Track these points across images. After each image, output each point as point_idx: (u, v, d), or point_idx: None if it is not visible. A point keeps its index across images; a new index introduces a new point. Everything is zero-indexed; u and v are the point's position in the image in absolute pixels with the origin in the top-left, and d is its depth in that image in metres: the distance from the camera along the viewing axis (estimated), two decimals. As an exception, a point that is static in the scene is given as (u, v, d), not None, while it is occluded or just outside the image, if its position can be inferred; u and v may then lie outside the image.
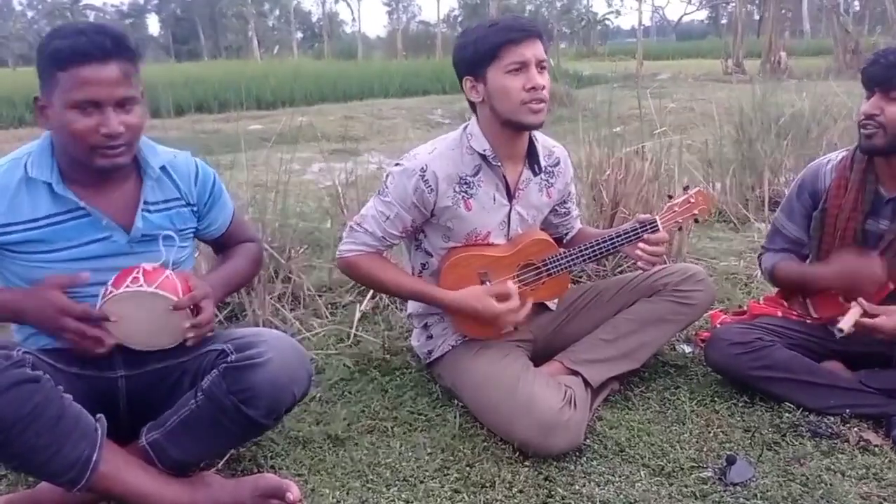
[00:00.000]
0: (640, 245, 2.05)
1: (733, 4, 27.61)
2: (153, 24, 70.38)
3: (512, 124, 1.98)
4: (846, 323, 1.96)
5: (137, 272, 1.61)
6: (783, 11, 22.15)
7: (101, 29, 1.56)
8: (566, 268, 2.14)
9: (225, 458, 1.86)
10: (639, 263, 2.10)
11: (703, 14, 68.23)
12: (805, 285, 2.21)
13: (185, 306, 1.61)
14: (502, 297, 2.02)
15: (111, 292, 1.59)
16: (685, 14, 65.74)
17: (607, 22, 55.98)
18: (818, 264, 2.17)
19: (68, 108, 1.53)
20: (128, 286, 1.59)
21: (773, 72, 16.30)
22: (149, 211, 1.71)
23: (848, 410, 2.02)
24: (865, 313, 1.96)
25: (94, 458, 1.50)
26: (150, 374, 1.72)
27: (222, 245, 1.98)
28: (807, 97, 5.25)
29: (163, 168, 1.74)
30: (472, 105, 2.04)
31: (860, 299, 1.98)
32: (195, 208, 1.81)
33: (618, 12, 66.75)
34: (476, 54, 1.93)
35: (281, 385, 1.63)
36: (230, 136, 5.67)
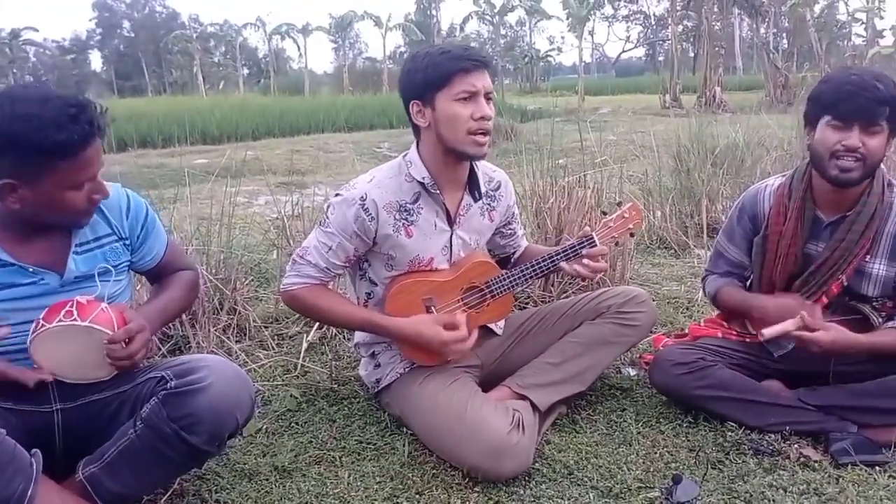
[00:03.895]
0: (584, 261, 2.10)
1: (669, 42, 28.56)
2: (96, 60, 69.40)
3: (455, 153, 2.00)
4: (770, 330, 2.02)
5: (71, 305, 1.57)
6: (717, 49, 22.96)
7: (81, 107, 1.53)
8: (509, 288, 2.16)
9: (168, 494, 1.80)
10: (581, 271, 2.12)
11: (640, 51, 70.50)
12: (747, 309, 2.27)
13: (120, 340, 1.58)
14: (450, 327, 2.03)
15: (43, 326, 1.55)
16: (624, 51, 67.64)
17: (549, 59, 57.04)
18: (760, 296, 2.22)
19: (67, 189, 1.55)
20: (61, 320, 1.55)
21: (708, 106, 16.88)
22: (79, 253, 1.68)
23: (788, 427, 2.06)
24: (805, 327, 2.01)
25: (28, 494, 1.44)
26: (86, 406, 1.67)
27: (158, 275, 1.94)
28: (741, 129, 5.45)
29: None
30: (417, 130, 2.05)
31: (802, 312, 2.03)
32: (127, 242, 1.79)
33: (559, 49, 68.24)
34: (426, 79, 1.94)
35: (223, 410, 1.61)
36: (175, 171, 5.59)
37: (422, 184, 2.04)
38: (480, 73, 1.95)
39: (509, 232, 2.35)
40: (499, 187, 2.24)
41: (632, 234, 2.24)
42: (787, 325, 2.02)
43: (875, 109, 1.94)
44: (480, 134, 1.96)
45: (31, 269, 1.61)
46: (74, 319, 1.55)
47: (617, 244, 2.32)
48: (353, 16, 48.68)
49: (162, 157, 10.31)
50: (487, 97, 1.97)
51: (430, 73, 1.94)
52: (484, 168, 2.21)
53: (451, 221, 2.11)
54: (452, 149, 1.98)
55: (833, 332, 2.00)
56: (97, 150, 1.56)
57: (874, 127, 1.95)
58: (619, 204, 2.23)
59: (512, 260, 2.38)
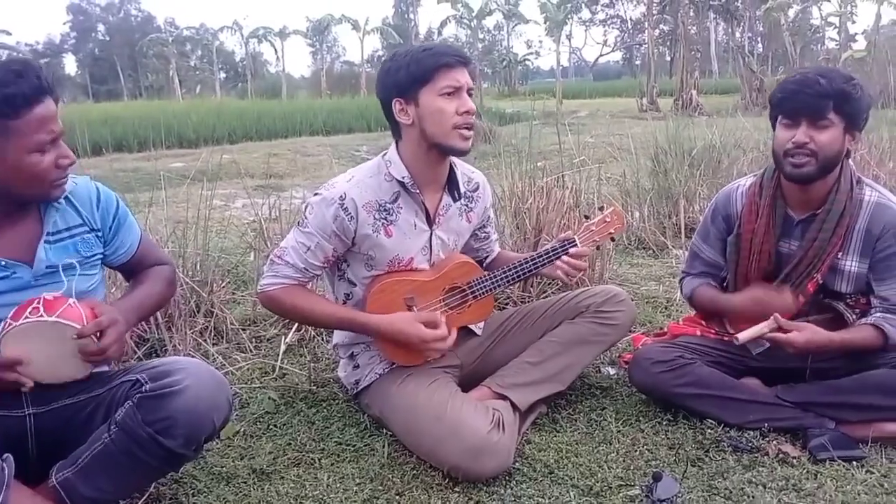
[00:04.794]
0: (563, 258, 2.10)
1: (646, 46, 28.80)
2: (70, 64, 68.46)
3: (440, 148, 1.99)
4: (745, 334, 2.04)
5: (37, 303, 1.54)
6: (693, 53, 23.24)
7: (26, 64, 1.53)
8: (491, 290, 2.15)
9: (144, 498, 1.78)
10: (558, 272, 2.13)
11: (618, 55, 70.96)
12: (720, 312, 2.29)
13: (89, 333, 1.54)
14: (430, 324, 2.02)
15: (10, 325, 1.51)
16: (601, 55, 68.00)
17: (527, 62, 57.32)
18: (729, 297, 2.24)
19: (29, 152, 1.52)
20: (27, 317, 1.51)
21: (684, 108, 17.03)
22: (50, 242, 1.65)
23: (766, 424, 2.08)
24: (780, 328, 2.03)
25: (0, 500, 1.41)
26: (60, 410, 1.64)
27: (132, 270, 1.91)
28: (717, 131, 5.50)
29: (65, 196, 1.69)
30: (398, 129, 2.04)
31: (776, 314, 2.05)
32: (100, 233, 1.76)
33: (537, 53, 68.81)
34: (409, 76, 1.94)
35: (199, 413, 1.58)
36: (150, 175, 5.53)
37: (401, 183, 2.03)
38: (462, 69, 1.96)
39: (483, 235, 2.34)
40: (477, 188, 2.24)
41: (613, 239, 2.24)
42: (762, 328, 2.04)
43: (818, 104, 1.97)
44: (465, 128, 1.96)
45: (3, 263, 1.58)
46: (41, 315, 1.52)
47: (598, 248, 2.32)
48: (330, 19, 48.55)
49: (137, 161, 10.16)
50: (469, 93, 1.97)
51: (413, 70, 1.93)
52: (463, 168, 2.20)
53: (430, 221, 2.10)
54: (438, 144, 1.97)
55: (807, 332, 2.02)
56: (51, 108, 1.54)
57: (822, 121, 1.98)
58: (602, 208, 2.23)
59: (483, 265, 2.36)
